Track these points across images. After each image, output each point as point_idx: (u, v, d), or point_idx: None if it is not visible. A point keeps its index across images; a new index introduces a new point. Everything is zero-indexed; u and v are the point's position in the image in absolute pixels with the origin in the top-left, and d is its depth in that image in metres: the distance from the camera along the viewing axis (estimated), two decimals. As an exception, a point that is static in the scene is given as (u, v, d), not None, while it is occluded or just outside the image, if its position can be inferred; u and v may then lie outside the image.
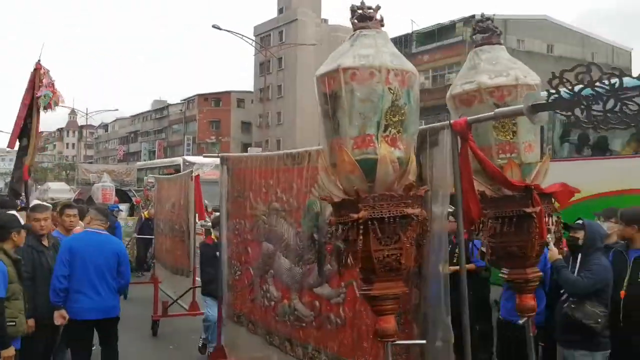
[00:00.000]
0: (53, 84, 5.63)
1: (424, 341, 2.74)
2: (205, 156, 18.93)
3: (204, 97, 60.25)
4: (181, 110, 64.23)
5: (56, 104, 5.75)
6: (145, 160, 46.42)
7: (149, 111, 73.11)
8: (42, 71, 5.51)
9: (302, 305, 3.78)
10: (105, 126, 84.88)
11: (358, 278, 2.81)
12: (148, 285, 9.06)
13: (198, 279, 7.06)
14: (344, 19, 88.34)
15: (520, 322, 3.12)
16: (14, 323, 3.95)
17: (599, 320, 3.81)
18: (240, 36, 30.74)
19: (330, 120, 2.53)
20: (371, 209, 2.41)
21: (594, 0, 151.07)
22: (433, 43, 35.71)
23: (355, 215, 2.39)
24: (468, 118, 2.61)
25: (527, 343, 3.14)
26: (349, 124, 2.44)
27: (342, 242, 2.53)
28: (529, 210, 2.80)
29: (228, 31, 29.30)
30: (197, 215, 7.37)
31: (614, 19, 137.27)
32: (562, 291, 4.18)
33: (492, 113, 2.60)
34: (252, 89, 55.60)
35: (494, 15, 35.67)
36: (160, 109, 69.63)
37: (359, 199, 2.41)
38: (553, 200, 3.03)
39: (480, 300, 5.94)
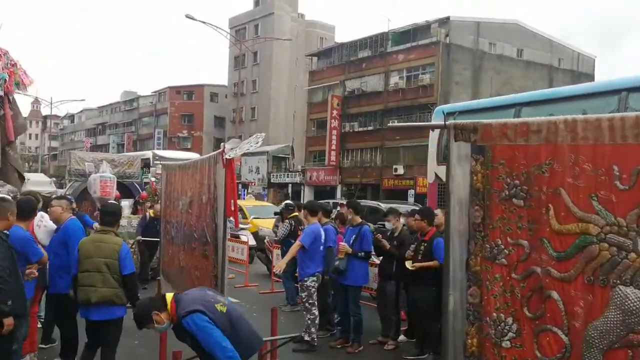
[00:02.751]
0: (14, 65, 5.36)
1: None
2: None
3: (176, 90, 59.41)
4: (152, 102, 63.17)
5: (20, 85, 5.47)
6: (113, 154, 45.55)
7: (117, 102, 71.66)
8: None
9: None
10: (71, 117, 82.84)
11: None
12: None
13: None
14: (320, 14, 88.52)
15: None
16: None
17: None
18: (215, 28, 30.47)
19: None
20: None
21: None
22: (408, 43, 36.09)
23: None
24: None
25: None
26: None
27: None
28: None
29: (202, 22, 28.98)
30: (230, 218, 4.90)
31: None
32: None
33: None
34: (226, 83, 55.17)
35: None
36: (130, 101, 68.35)
37: None
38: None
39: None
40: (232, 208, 4.74)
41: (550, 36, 40.31)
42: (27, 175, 27.63)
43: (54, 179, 26.18)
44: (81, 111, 79.41)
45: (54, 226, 5.50)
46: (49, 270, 5.18)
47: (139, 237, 9.92)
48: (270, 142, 45.21)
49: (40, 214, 5.66)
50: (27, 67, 5.35)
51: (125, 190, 13.16)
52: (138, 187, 14.19)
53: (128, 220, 10.87)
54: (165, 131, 58.12)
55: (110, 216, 4.89)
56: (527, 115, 8.29)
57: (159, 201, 10.17)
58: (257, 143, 4.74)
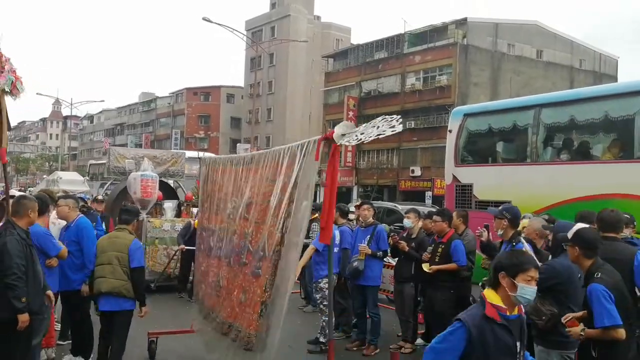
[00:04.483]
0: (15, 72, 5.63)
1: None
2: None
3: (193, 91, 59.86)
4: (169, 103, 63.76)
5: (21, 91, 5.72)
6: (132, 153, 45.86)
7: (136, 103, 72.48)
8: (2, 58, 5.50)
9: None
10: (90, 117, 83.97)
11: None
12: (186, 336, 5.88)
13: None
14: (336, 16, 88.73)
15: None
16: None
17: (543, 317, 3.93)
18: (231, 30, 30.61)
19: None
20: None
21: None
22: (425, 44, 35.85)
23: None
24: None
25: None
26: None
27: None
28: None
29: (219, 24, 29.14)
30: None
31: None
32: None
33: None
34: (242, 84, 55.43)
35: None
36: (148, 102, 69.06)
37: None
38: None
39: (461, 298, 6.05)
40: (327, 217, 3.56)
41: (571, 37, 39.73)
42: (60, 173, 26.29)
43: (87, 177, 25.59)
44: (100, 112, 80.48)
45: (63, 223, 5.66)
46: (61, 267, 5.26)
47: (183, 246, 8.90)
48: (285, 143, 45.14)
49: (55, 212, 5.79)
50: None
51: (168, 190, 11.89)
52: (182, 186, 12.97)
53: (171, 224, 9.64)
54: (182, 132, 58.59)
55: (126, 215, 5.28)
56: (547, 117, 8.16)
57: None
58: (392, 128, 3.39)
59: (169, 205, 10.63)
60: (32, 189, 17.90)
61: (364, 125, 3.48)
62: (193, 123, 58.60)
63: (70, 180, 20.48)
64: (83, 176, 27.23)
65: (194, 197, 11.34)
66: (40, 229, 4.80)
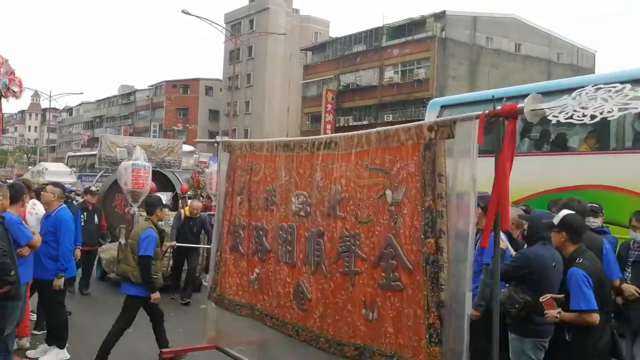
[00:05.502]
0: (13, 73, 5.69)
1: None
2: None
3: (172, 84, 59.24)
4: (148, 96, 63.03)
5: (18, 92, 5.74)
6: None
7: (115, 96, 71.55)
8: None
9: None
10: (69, 110, 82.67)
11: None
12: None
13: None
14: (315, 10, 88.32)
15: None
16: (157, 277, 5.30)
17: (516, 305, 3.93)
18: (210, 22, 30.20)
19: None
20: None
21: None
22: (403, 37, 35.90)
23: None
24: None
25: None
26: None
27: None
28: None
29: (198, 17, 28.75)
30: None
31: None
32: None
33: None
34: (221, 77, 54.93)
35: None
36: (127, 94, 68.19)
37: None
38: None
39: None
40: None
41: (549, 30, 40.16)
42: (45, 164, 25.69)
43: (74, 168, 24.67)
44: (79, 104, 79.29)
45: (41, 213, 5.61)
46: (37, 255, 5.19)
47: (174, 243, 8.37)
48: (264, 136, 45.05)
49: (32, 201, 5.77)
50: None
51: (164, 181, 11.19)
52: (179, 177, 12.31)
53: (166, 219, 8.73)
54: (161, 124, 58.06)
55: (147, 206, 5.67)
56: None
57: (202, 196, 8.79)
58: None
59: (163, 198, 10.05)
60: (10, 181, 17.14)
61: (568, 97, 2.43)
62: (172, 116, 58.00)
63: (56, 172, 19.88)
64: (63, 168, 26.52)
65: (188, 190, 10.73)
66: (12, 216, 4.70)
